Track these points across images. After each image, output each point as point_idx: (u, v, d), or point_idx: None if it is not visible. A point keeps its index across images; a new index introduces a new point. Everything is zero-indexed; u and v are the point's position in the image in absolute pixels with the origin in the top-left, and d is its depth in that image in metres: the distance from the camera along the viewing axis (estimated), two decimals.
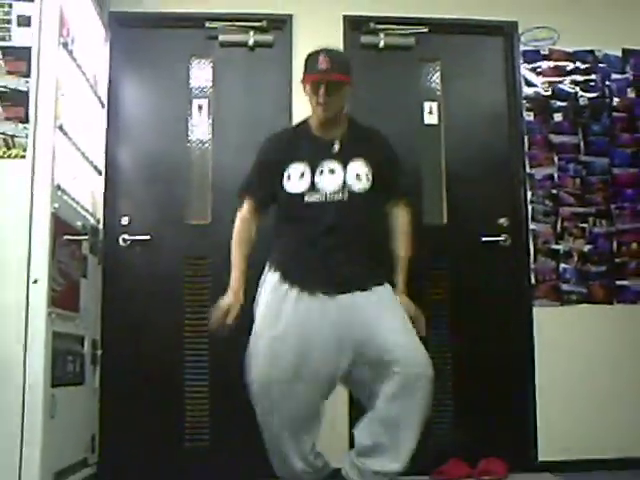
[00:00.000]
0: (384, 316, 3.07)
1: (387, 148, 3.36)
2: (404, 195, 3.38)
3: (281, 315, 3.06)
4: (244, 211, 3.33)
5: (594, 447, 4.37)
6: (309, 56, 3.21)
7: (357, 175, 3.15)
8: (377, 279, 3.16)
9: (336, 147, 3.19)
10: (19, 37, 3.33)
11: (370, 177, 3.18)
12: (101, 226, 4.26)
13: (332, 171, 3.14)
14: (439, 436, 4.35)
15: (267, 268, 3.23)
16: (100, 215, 4.28)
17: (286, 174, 3.17)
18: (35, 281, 3.18)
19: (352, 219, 3.14)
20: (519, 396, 4.45)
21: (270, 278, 3.17)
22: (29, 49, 3.33)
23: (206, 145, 4.56)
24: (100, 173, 4.32)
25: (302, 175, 3.15)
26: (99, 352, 4.14)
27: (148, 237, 4.37)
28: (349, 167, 3.16)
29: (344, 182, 3.13)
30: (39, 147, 3.29)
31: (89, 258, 3.96)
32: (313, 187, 3.13)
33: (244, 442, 3.89)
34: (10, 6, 3.34)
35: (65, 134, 3.57)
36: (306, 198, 3.14)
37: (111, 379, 4.21)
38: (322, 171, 3.14)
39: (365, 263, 3.18)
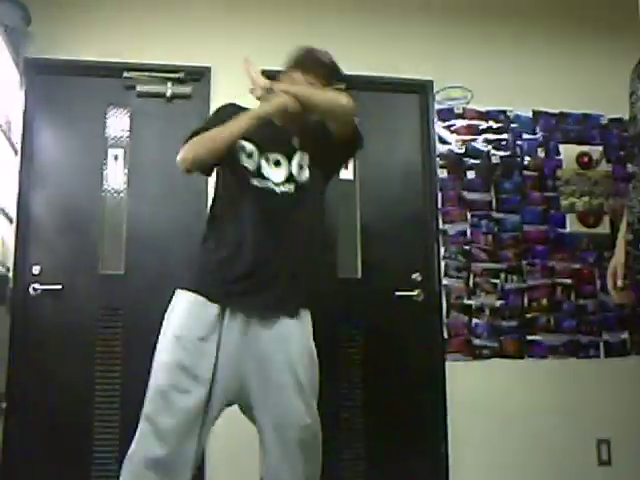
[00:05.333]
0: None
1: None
2: None
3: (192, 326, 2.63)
4: None
5: None
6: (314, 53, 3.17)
7: (300, 166, 2.85)
8: (304, 300, 2.82)
9: (295, 142, 2.90)
10: None
11: (309, 163, 2.88)
12: (11, 274, 4.17)
13: (277, 163, 2.83)
14: None
15: (175, 295, 2.74)
16: (10, 263, 4.19)
17: (239, 143, 2.80)
18: None
19: (299, 214, 2.81)
20: (432, 451, 4.46)
21: (182, 298, 2.71)
22: None
23: (121, 195, 4.51)
24: (11, 221, 4.24)
25: (250, 155, 2.82)
26: (3, 405, 4.03)
27: (60, 287, 4.28)
28: (293, 160, 2.85)
29: (290, 173, 2.83)
30: None
31: None
32: (259, 172, 2.80)
33: None
34: None
35: None
36: (253, 181, 2.79)
37: (16, 433, 4.09)
38: (268, 159, 2.83)
39: (304, 276, 2.81)
